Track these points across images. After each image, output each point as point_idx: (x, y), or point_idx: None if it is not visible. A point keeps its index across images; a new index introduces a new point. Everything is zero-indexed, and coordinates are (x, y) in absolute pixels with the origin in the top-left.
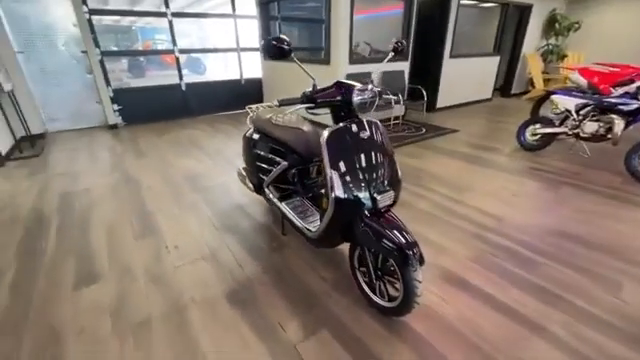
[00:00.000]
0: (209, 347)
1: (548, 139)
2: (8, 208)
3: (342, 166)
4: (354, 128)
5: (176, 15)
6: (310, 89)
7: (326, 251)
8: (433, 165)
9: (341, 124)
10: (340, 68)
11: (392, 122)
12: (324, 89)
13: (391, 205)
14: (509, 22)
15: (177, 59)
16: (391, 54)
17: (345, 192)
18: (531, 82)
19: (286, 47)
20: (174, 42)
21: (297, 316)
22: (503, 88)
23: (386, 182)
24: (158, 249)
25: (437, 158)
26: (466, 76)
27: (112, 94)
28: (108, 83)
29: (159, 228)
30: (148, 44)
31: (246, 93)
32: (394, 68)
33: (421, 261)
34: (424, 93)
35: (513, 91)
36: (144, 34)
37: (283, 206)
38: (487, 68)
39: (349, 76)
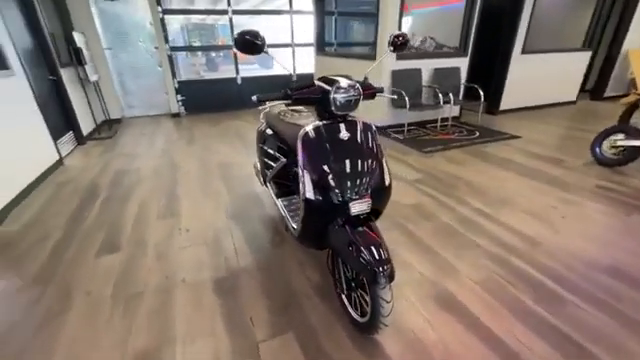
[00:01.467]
0: (180, 328)
1: (633, 154)
2: (74, 181)
3: (315, 167)
4: (333, 128)
5: (236, 12)
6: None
7: (321, 253)
8: (474, 174)
9: (319, 123)
10: (385, 64)
11: (439, 124)
12: (308, 85)
13: (372, 213)
14: (608, 10)
15: (235, 54)
16: (389, 49)
17: (315, 194)
18: (633, 84)
19: (259, 42)
20: (232, 38)
21: (271, 314)
22: (595, 90)
23: (364, 188)
24: (172, 230)
25: (482, 166)
26: (542, 74)
27: (177, 85)
28: (174, 75)
29: (180, 211)
30: (223, 40)
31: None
32: (448, 64)
33: (391, 278)
34: (481, 93)
35: (607, 94)
36: (223, 31)
37: (279, 202)
38: (572, 65)
39: (394, 72)
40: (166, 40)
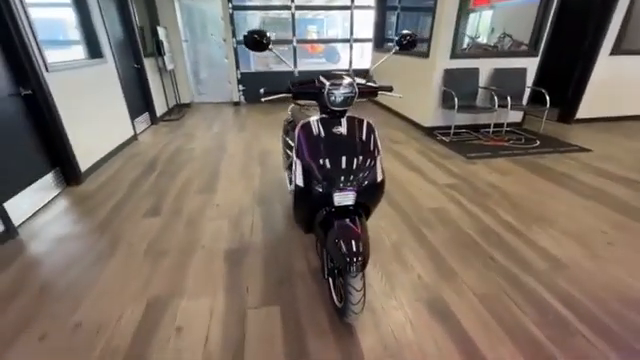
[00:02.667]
0: (189, 285)
1: None
2: (141, 154)
3: (307, 156)
4: (329, 122)
5: (299, 8)
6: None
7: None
8: (515, 186)
9: (315, 117)
10: (438, 62)
11: (492, 129)
12: (310, 81)
13: (362, 209)
14: None
15: (294, 48)
16: (395, 48)
17: (305, 182)
18: None
19: (264, 41)
20: (293, 32)
21: (265, 287)
22: None
23: (350, 182)
24: (205, 204)
25: (528, 179)
26: (636, 80)
27: (239, 76)
28: (237, 67)
29: (216, 188)
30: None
31: None
32: (511, 65)
33: (362, 267)
34: (547, 98)
35: None
36: (300, 25)
37: (289, 188)
38: None
39: (447, 72)
40: (233, 34)
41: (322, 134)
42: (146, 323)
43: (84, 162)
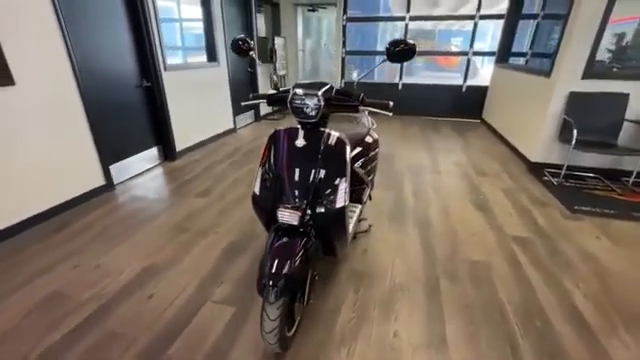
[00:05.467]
0: (185, 261)
1: None
2: (230, 144)
3: (267, 165)
4: (291, 133)
5: (413, 19)
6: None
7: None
8: (627, 264)
9: (282, 128)
10: (562, 82)
11: (633, 178)
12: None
13: (319, 236)
14: None
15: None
16: (382, 59)
17: (260, 191)
18: None
19: (245, 47)
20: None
21: (237, 286)
22: None
23: (300, 202)
24: (247, 194)
25: None
26: None
27: (342, 85)
28: (342, 76)
29: None
30: (429, 45)
31: (463, 101)
32: (605, 88)
33: (278, 295)
34: None
35: None
36: (442, 37)
37: None
38: None
39: (574, 95)
40: (344, 44)
41: (284, 145)
42: (132, 284)
43: (180, 144)
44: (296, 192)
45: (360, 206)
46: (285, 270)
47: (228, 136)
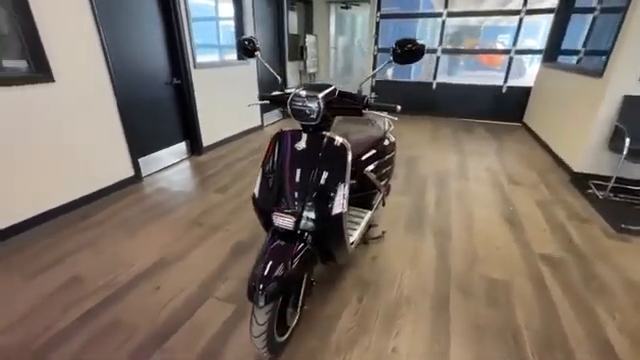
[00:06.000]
0: (193, 254)
1: None
2: (254, 142)
3: (267, 167)
4: (292, 135)
5: (451, 15)
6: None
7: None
8: None
9: (285, 129)
10: (614, 84)
11: None
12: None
13: (317, 242)
14: None
15: (437, 59)
16: (387, 60)
17: (260, 192)
18: None
19: (250, 47)
20: (441, 41)
21: (241, 283)
22: None
23: (295, 206)
24: None
25: None
26: None
27: (374, 84)
28: (373, 75)
29: None
30: (472, 42)
31: (503, 103)
32: None
33: (267, 299)
34: None
35: None
36: (488, 33)
37: None
38: None
39: (629, 100)
40: (376, 42)
41: (285, 147)
42: (143, 275)
43: (207, 139)
44: (293, 196)
45: (370, 212)
46: (276, 274)
47: (254, 133)
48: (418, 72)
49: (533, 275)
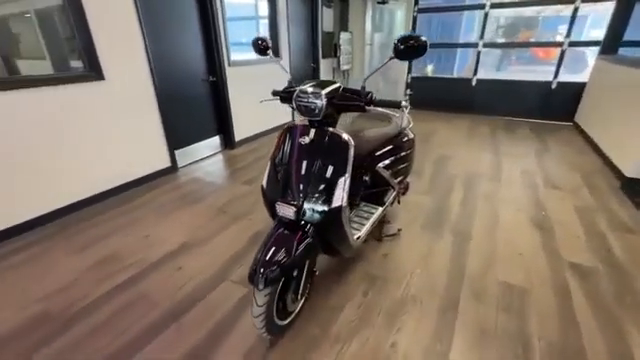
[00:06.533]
0: (213, 242)
1: None
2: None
3: (274, 158)
4: (298, 130)
5: (494, 6)
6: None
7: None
8: None
9: (295, 122)
10: None
11: None
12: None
13: (318, 234)
14: None
15: (478, 54)
16: (390, 55)
17: (267, 183)
18: None
19: (263, 46)
20: (482, 35)
21: None
22: None
23: (297, 197)
24: None
25: None
26: None
27: (409, 80)
28: (409, 70)
29: None
30: (527, 35)
31: (552, 100)
32: None
33: (266, 283)
34: None
35: None
36: (547, 24)
37: None
38: None
39: None
40: None
41: (294, 141)
42: (168, 256)
43: (239, 134)
44: (296, 187)
45: (381, 208)
46: (276, 260)
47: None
48: (462, 67)
49: (557, 283)
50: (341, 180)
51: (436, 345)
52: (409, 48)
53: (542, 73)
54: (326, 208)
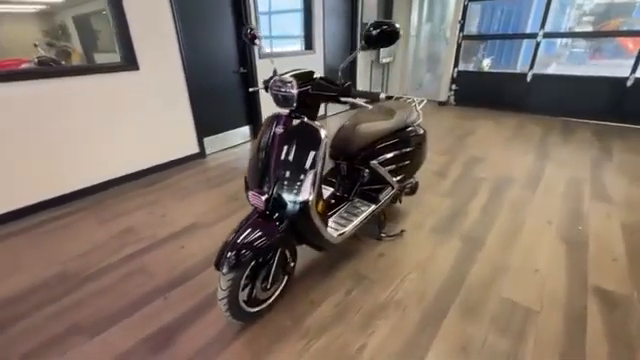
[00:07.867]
0: (217, 228)
1: None
2: None
3: (254, 147)
4: (278, 119)
5: None
6: None
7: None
8: None
9: (279, 112)
10: None
11: None
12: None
13: (292, 227)
14: None
15: (537, 44)
16: (360, 46)
17: (247, 172)
18: None
19: (250, 35)
20: (543, 24)
21: None
22: None
23: (267, 187)
24: None
25: None
26: None
27: (455, 75)
28: (456, 64)
29: None
30: (616, 23)
31: (625, 99)
32: None
33: (230, 267)
34: None
35: None
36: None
37: None
38: None
39: None
40: (462, 28)
41: (269, 130)
42: (175, 234)
43: None
44: (268, 178)
45: (373, 206)
46: (242, 246)
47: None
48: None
49: (573, 308)
50: (310, 173)
51: (407, 356)
52: (382, 33)
53: (628, 68)
54: (294, 200)
